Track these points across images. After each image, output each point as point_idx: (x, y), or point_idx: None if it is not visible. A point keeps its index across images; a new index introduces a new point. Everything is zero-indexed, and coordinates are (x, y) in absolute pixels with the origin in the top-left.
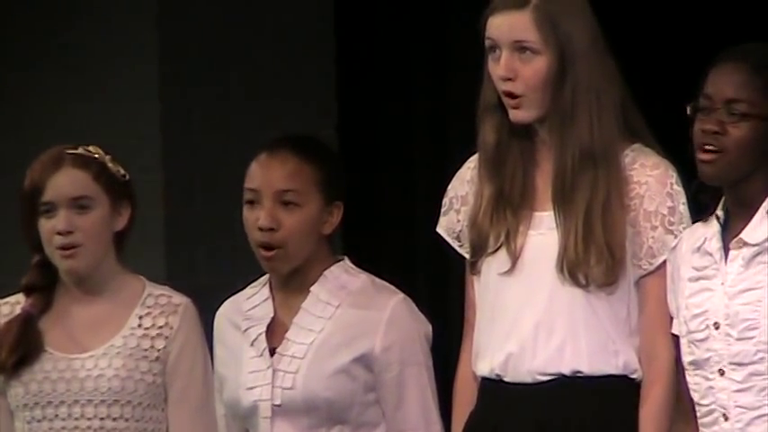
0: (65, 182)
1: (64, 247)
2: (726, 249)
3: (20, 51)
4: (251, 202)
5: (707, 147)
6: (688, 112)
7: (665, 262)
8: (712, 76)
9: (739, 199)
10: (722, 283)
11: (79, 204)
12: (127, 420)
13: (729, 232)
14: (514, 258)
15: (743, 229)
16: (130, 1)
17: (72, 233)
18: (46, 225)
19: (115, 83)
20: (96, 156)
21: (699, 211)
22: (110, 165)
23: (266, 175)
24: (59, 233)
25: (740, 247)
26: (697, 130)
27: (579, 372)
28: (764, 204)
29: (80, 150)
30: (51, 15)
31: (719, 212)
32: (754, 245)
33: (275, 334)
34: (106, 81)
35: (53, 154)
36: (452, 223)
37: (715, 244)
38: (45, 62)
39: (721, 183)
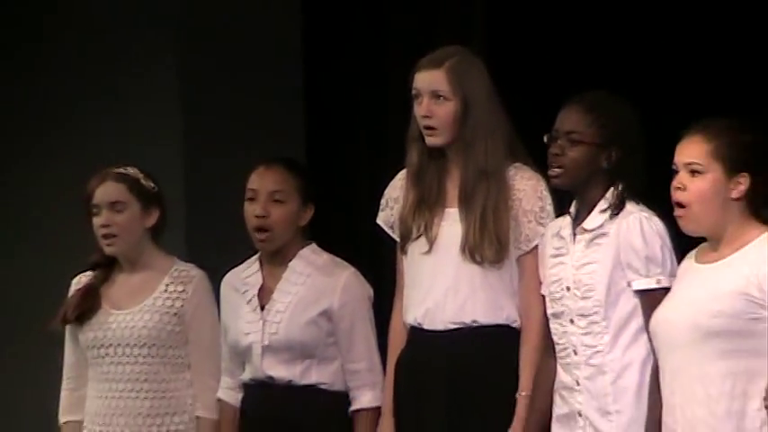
0: (106, 191)
1: (104, 236)
2: (574, 235)
3: (66, 89)
4: (251, 199)
5: (554, 165)
6: (545, 140)
7: (537, 246)
8: (559, 115)
9: (584, 201)
10: (571, 259)
11: (116, 208)
12: (153, 357)
13: (577, 223)
14: (431, 243)
15: (584, 220)
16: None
17: (110, 226)
18: (94, 221)
19: (141, 111)
20: (131, 173)
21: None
22: (142, 181)
23: (263, 180)
24: (101, 226)
25: (583, 233)
26: (549, 153)
27: (476, 321)
28: (599, 204)
29: (121, 169)
30: (96, 59)
31: (572, 210)
32: (590, 230)
33: (264, 295)
34: (133, 105)
35: (103, 172)
36: (388, 217)
37: (567, 231)
38: (86, 100)
39: (567, 188)
